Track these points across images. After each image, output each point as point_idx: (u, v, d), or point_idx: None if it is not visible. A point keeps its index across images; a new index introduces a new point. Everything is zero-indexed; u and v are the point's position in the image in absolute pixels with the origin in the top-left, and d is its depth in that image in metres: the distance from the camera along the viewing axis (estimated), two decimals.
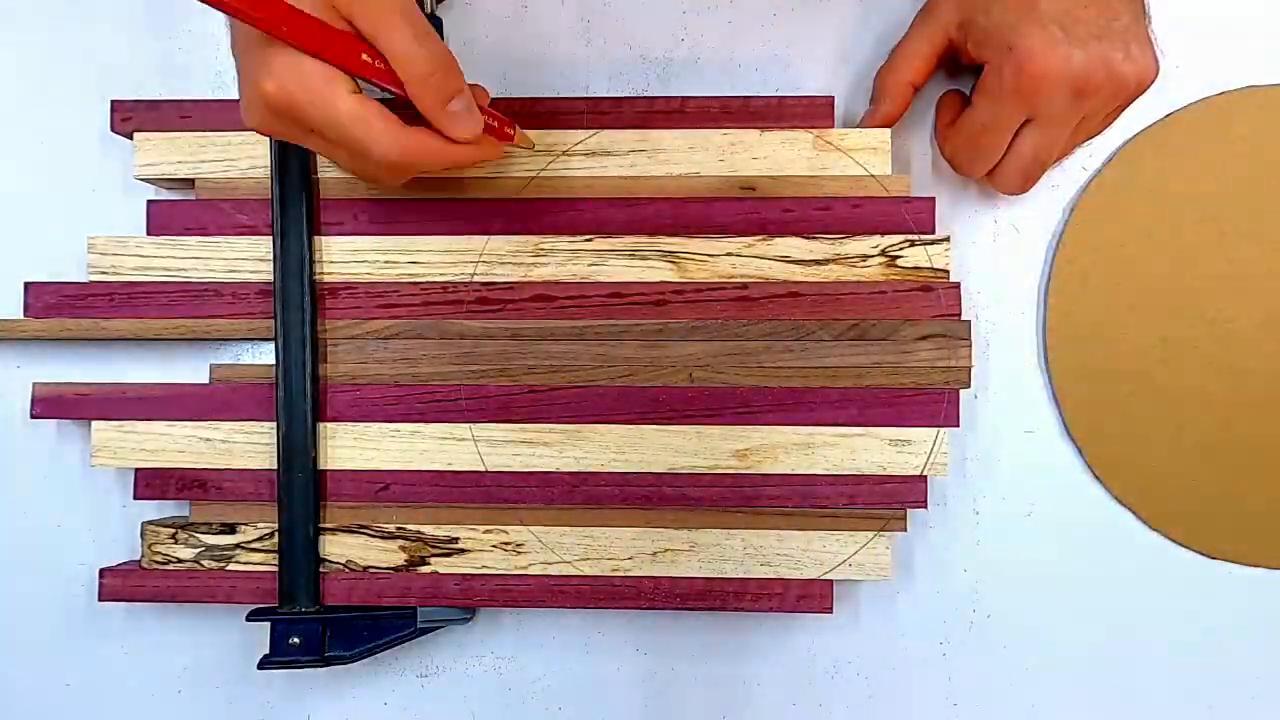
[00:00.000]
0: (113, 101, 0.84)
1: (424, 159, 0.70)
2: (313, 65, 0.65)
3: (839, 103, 0.85)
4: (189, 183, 0.85)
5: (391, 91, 0.68)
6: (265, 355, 0.88)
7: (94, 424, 0.84)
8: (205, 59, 0.89)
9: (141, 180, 0.85)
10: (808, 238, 0.82)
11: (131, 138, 0.84)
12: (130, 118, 0.84)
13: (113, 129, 0.84)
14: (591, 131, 0.83)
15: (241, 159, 0.84)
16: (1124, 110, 0.80)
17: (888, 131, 0.83)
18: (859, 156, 0.83)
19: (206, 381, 0.85)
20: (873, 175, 0.82)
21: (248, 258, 0.84)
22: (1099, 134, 0.82)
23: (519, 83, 0.88)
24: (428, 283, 0.83)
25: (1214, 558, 0.86)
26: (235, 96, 0.84)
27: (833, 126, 0.83)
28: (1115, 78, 0.75)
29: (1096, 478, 0.86)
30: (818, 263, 0.82)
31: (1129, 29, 0.76)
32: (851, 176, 0.83)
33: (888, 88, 0.83)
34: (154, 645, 0.89)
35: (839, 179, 0.83)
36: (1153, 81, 0.77)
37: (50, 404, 0.84)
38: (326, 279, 0.84)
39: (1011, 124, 0.78)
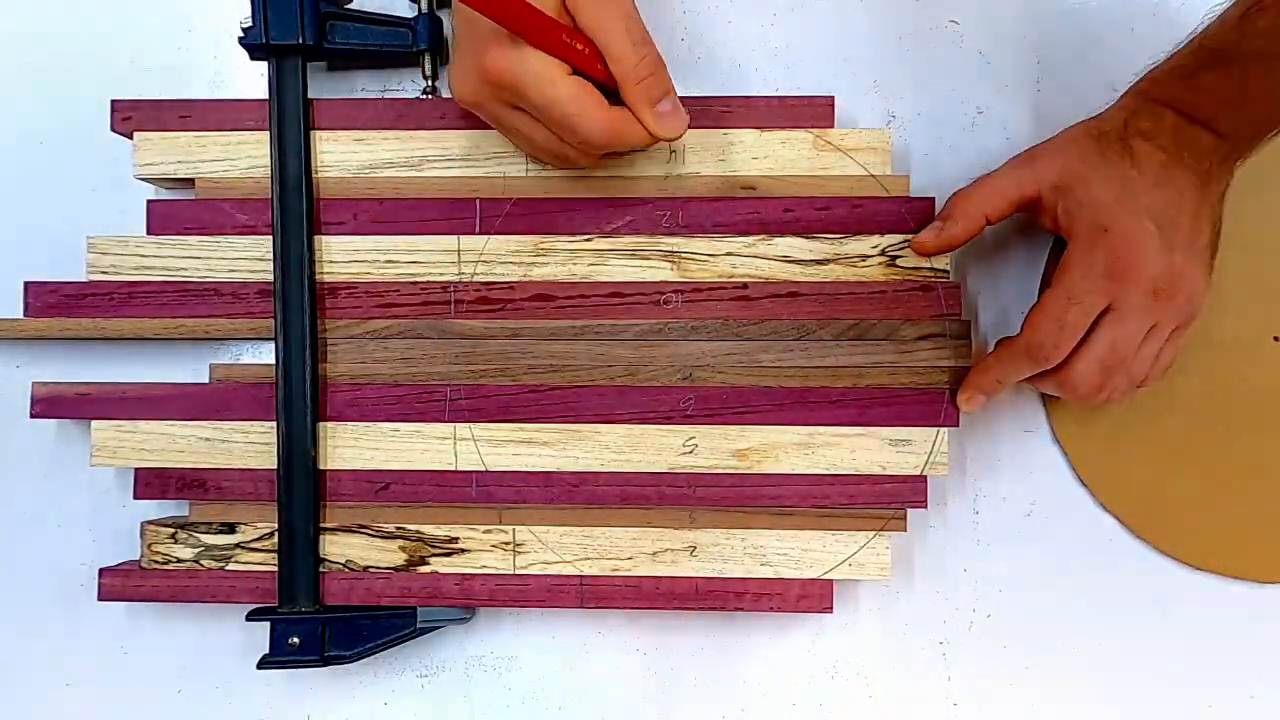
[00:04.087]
0: (113, 101, 0.84)
1: (627, 140, 0.76)
2: (535, 52, 0.72)
3: (838, 103, 0.85)
4: (189, 182, 0.85)
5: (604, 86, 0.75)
6: (265, 355, 0.88)
7: (93, 424, 0.84)
8: (205, 59, 0.89)
9: (141, 180, 0.85)
10: (808, 237, 0.82)
11: (131, 137, 0.84)
12: (130, 117, 0.84)
13: (113, 129, 0.84)
14: None
15: (241, 159, 0.84)
16: (1178, 339, 0.79)
17: (889, 132, 0.83)
18: (859, 157, 0.83)
19: (206, 381, 0.85)
20: (873, 175, 0.82)
21: (248, 257, 0.84)
22: (1159, 367, 0.80)
23: None
24: (428, 282, 0.83)
25: (1197, 569, 0.86)
26: (233, 97, 0.85)
27: (833, 126, 0.83)
28: (1188, 292, 0.75)
29: (1082, 483, 0.86)
30: (818, 262, 0.82)
31: (1203, 253, 0.76)
32: (852, 176, 0.83)
33: (963, 212, 0.79)
34: (154, 645, 0.89)
35: (839, 179, 0.83)
36: (1198, 313, 0.77)
37: (50, 404, 0.84)
38: (326, 279, 0.84)
39: (1094, 305, 0.75)
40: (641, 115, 0.75)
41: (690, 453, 0.82)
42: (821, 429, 0.81)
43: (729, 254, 0.83)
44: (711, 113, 0.84)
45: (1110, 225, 0.73)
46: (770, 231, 0.83)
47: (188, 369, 0.88)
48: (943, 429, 0.81)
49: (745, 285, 0.82)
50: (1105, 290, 0.74)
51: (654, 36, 0.85)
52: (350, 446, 0.83)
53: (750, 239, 0.83)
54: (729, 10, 0.87)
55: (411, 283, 0.83)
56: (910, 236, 0.82)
